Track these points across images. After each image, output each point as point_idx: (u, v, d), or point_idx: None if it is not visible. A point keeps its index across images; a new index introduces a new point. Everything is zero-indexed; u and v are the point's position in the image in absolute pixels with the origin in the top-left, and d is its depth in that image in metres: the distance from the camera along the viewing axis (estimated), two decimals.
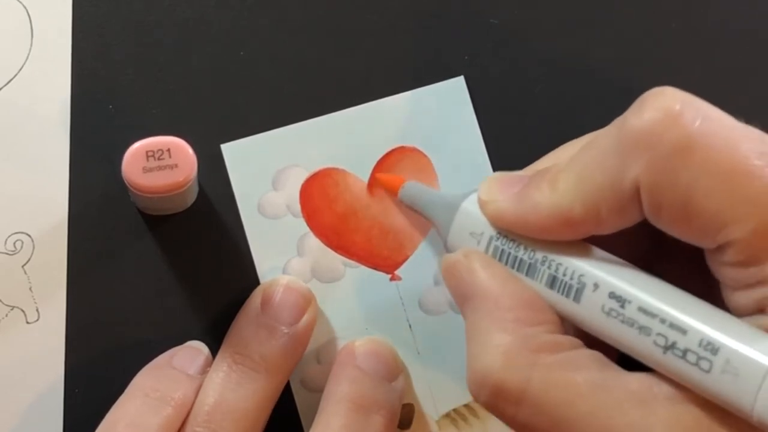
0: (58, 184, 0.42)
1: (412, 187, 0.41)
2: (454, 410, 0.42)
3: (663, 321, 0.31)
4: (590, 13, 0.45)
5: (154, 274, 0.42)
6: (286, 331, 0.40)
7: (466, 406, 0.42)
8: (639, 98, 0.32)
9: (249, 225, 0.43)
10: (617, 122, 0.32)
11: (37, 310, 0.41)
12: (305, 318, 0.41)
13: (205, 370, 0.40)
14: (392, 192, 0.42)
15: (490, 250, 0.36)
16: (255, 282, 0.42)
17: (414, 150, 0.44)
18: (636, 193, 0.31)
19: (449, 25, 0.45)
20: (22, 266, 0.42)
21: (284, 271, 0.43)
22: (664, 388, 0.31)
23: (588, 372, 0.31)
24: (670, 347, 0.31)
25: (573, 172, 0.32)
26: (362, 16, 0.44)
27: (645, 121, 0.31)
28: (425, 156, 0.44)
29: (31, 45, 0.43)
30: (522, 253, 0.35)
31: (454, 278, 0.35)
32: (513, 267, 0.35)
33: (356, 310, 0.43)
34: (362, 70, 0.44)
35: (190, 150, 0.39)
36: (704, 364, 0.30)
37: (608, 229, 0.32)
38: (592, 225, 0.32)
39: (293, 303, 0.41)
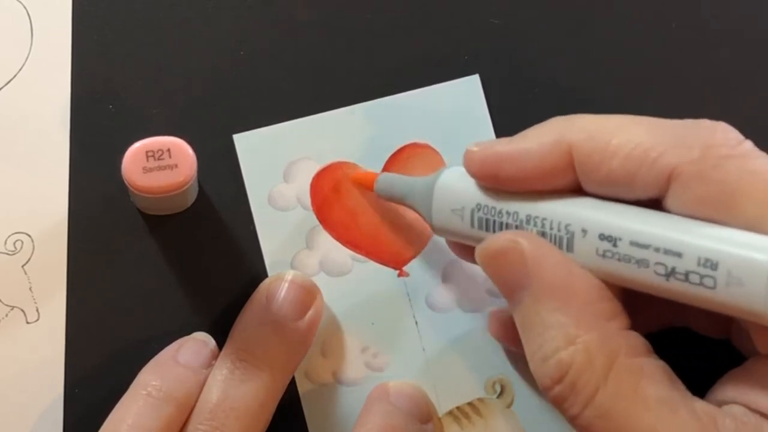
0: (58, 184, 0.42)
1: (386, 179, 0.41)
2: (458, 408, 0.42)
3: (657, 249, 0.31)
4: (590, 13, 0.45)
5: (154, 274, 0.42)
6: (290, 327, 0.40)
7: (469, 404, 0.42)
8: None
9: (259, 216, 0.43)
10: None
11: (37, 310, 0.41)
12: (310, 313, 0.40)
13: (210, 363, 0.40)
14: (369, 188, 0.42)
15: (475, 222, 0.36)
16: (257, 281, 0.42)
17: (427, 147, 0.44)
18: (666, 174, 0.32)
19: (449, 25, 0.45)
20: (22, 266, 0.42)
21: (292, 264, 0.43)
22: (728, 424, 0.31)
23: (658, 386, 0.31)
24: (670, 274, 0.31)
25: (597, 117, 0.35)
26: (362, 16, 0.44)
27: None
28: (438, 153, 0.44)
29: (31, 45, 0.43)
30: (506, 218, 0.35)
31: (502, 267, 0.34)
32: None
33: (363, 304, 0.43)
34: (361, 71, 0.44)
35: (189, 150, 0.39)
36: (708, 282, 0.30)
37: (609, 158, 0.33)
38: (595, 149, 0.33)
39: (298, 298, 0.41)
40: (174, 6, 0.44)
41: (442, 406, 0.42)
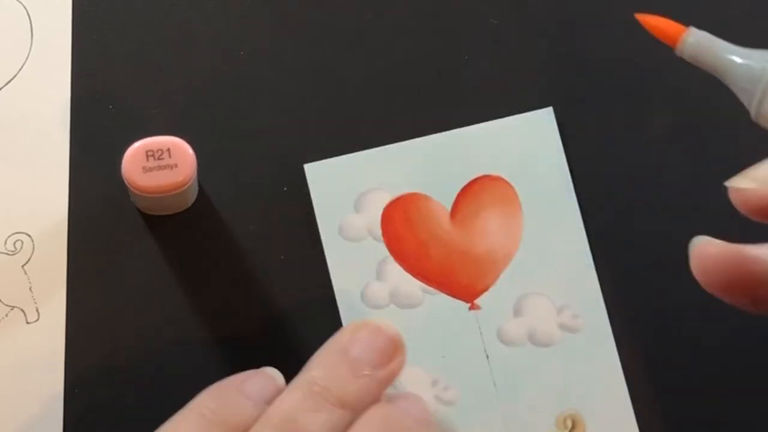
0: (58, 184, 0.42)
1: (697, 41, 0.34)
2: None
3: None
4: (590, 12, 0.45)
5: (154, 274, 0.42)
6: (370, 373, 0.39)
7: None
8: None
9: (329, 247, 0.42)
10: None
11: (37, 310, 0.41)
12: (392, 365, 0.40)
13: (273, 400, 0.39)
14: (670, 41, 0.35)
15: None
16: (257, 281, 0.42)
17: (499, 179, 0.43)
18: None
19: (449, 25, 0.45)
20: (22, 266, 0.42)
21: (363, 295, 0.42)
22: None
23: None
24: None
25: None
26: (362, 16, 0.44)
27: None
28: (510, 185, 0.43)
29: (31, 45, 0.43)
30: None
31: None
32: None
33: (434, 337, 0.42)
34: (361, 70, 0.44)
35: (189, 150, 0.39)
36: None
37: None
38: None
39: (383, 348, 0.40)
40: (174, 6, 0.44)
41: None
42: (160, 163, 0.38)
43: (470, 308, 0.42)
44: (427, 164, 0.43)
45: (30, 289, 0.41)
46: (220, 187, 0.43)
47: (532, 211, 0.43)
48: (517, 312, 0.43)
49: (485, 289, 0.43)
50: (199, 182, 0.42)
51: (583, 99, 0.44)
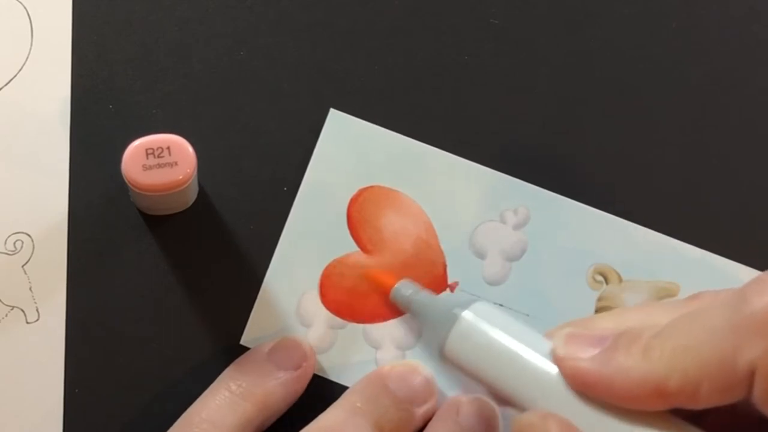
0: (58, 184, 0.42)
1: (402, 292, 0.41)
2: None
3: None
4: (590, 13, 0.45)
5: (154, 273, 0.42)
6: (407, 407, 0.40)
7: None
8: (759, 278, 0.30)
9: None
10: (733, 299, 0.30)
11: (37, 310, 0.41)
12: (427, 405, 0.40)
13: (300, 364, 0.40)
14: (383, 290, 0.42)
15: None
16: (257, 281, 0.42)
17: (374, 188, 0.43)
18: (749, 374, 0.29)
19: (449, 25, 0.45)
20: (22, 266, 0.42)
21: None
22: None
23: None
24: None
25: (672, 341, 0.30)
26: (362, 16, 0.44)
27: None
28: (385, 188, 0.43)
29: (31, 45, 0.43)
30: None
31: None
32: None
33: None
34: (362, 70, 0.44)
35: (189, 148, 0.38)
36: None
37: (702, 404, 0.30)
38: (686, 398, 0.30)
39: (418, 385, 0.40)
40: (174, 6, 0.44)
41: None
42: (160, 161, 0.38)
43: (451, 291, 0.43)
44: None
45: (30, 289, 0.41)
46: (220, 187, 0.43)
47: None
48: (480, 254, 0.43)
49: (444, 270, 0.43)
50: (199, 182, 0.42)
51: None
